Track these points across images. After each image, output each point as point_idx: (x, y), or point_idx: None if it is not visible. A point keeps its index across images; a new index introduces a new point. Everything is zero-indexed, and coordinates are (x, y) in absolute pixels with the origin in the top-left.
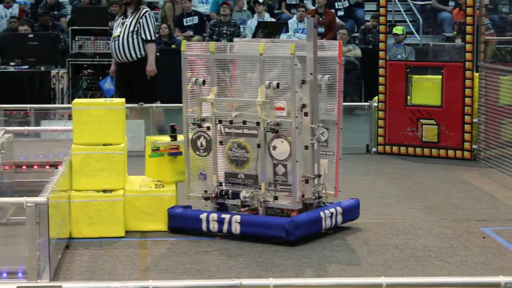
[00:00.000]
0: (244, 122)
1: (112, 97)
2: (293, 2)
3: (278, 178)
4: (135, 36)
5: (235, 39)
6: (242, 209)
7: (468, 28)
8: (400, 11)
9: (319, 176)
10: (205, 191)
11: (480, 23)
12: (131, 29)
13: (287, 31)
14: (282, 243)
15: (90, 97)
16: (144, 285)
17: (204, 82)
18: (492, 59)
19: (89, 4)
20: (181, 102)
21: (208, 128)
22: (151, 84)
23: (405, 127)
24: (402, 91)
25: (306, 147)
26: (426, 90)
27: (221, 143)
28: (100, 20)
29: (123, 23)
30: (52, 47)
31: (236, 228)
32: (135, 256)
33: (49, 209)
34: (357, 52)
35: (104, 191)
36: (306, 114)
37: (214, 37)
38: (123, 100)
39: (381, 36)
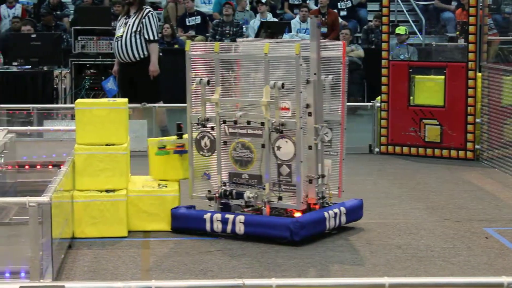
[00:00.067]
0: (249, 122)
1: (114, 97)
2: (296, 2)
3: (282, 179)
4: (138, 36)
5: (238, 39)
6: (246, 209)
7: (471, 28)
8: (403, 11)
9: (323, 176)
10: (209, 191)
11: (483, 23)
12: (134, 29)
13: (289, 31)
14: (284, 243)
15: (92, 97)
16: (147, 285)
17: (208, 82)
18: (495, 59)
19: (92, 4)
20: (184, 102)
21: (212, 128)
22: (154, 84)
23: (408, 127)
24: (405, 91)
25: (310, 147)
26: (429, 90)
27: (225, 143)
28: (102, 20)
29: (126, 23)
30: (55, 47)
31: (240, 228)
32: (137, 256)
33: (52, 209)
34: (360, 52)
35: (107, 191)
36: (310, 114)
37: (217, 37)
38: (126, 100)
39: (384, 36)
